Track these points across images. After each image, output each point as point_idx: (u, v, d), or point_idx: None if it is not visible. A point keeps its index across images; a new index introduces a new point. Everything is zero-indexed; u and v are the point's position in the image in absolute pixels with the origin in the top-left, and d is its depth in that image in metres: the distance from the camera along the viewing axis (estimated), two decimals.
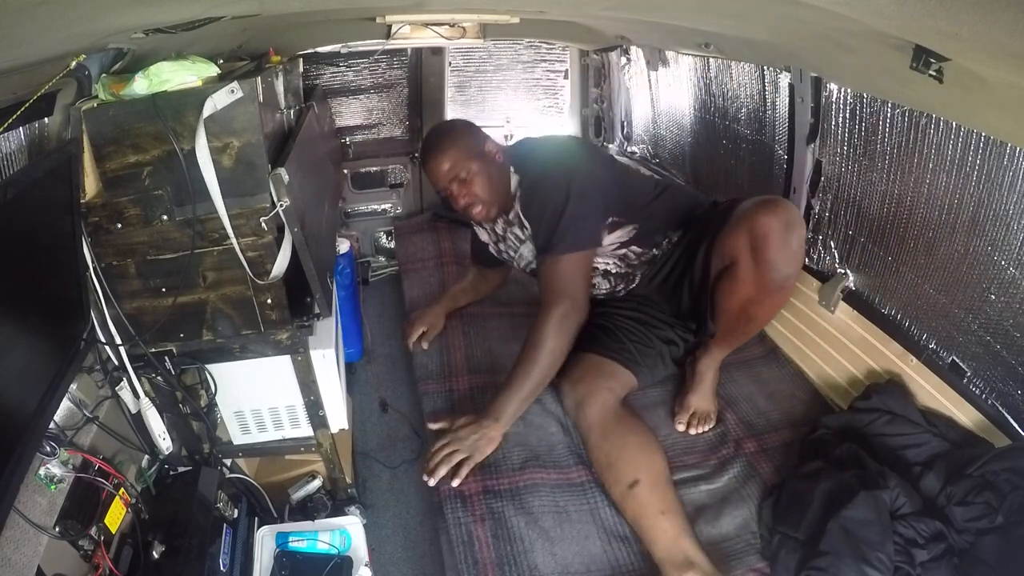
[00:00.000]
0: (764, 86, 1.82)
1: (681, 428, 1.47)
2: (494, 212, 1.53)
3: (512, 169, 1.54)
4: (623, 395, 1.47)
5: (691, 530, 1.17)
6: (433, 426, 1.44)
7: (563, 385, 1.47)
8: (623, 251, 1.56)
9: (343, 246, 2.04)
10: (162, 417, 1.26)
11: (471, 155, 1.47)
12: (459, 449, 1.32)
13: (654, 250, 1.58)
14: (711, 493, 1.30)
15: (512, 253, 1.67)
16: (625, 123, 2.83)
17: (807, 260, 1.67)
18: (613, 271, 1.60)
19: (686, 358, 1.62)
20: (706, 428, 1.47)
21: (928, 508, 1.11)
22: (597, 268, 1.59)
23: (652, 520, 1.18)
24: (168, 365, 1.22)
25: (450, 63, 2.73)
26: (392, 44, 2.42)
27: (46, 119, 1.06)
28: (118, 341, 1.15)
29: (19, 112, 0.90)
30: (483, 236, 1.76)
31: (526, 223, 1.52)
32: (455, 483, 1.28)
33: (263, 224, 1.09)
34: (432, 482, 1.29)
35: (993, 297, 1.19)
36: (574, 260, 1.42)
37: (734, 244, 1.31)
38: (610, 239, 1.53)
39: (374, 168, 2.84)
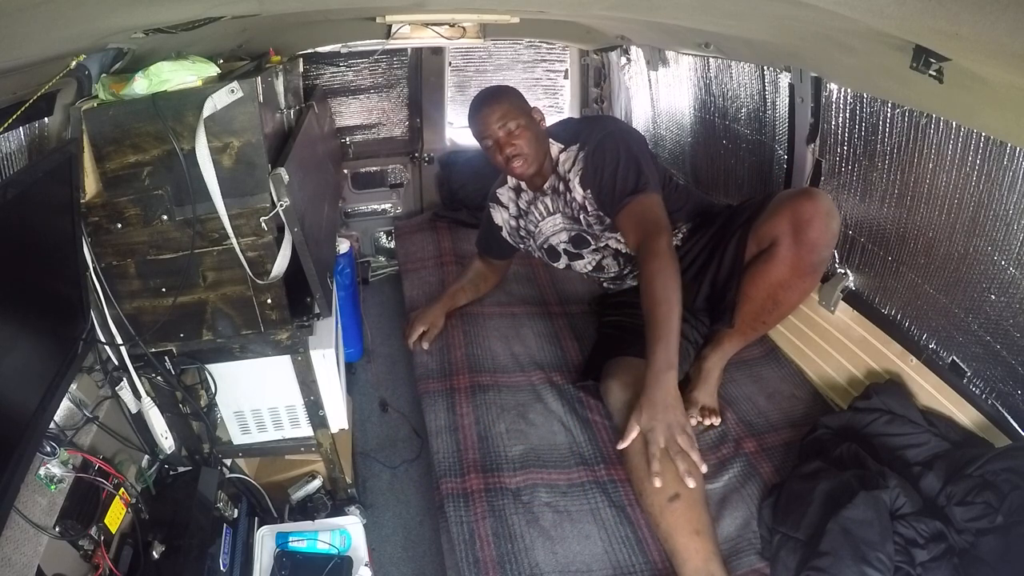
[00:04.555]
0: (764, 86, 1.82)
1: (694, 421, 1.47)
2: (532, 170, 1.57)
3: (551, 141, 1.60)
4: None
5: (720, 553, 1.15)
6: (627, 441, 1.26)
7: (611, 387, 1.44)
8: None
9: (343, 246, 2.04)
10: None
11: (521, 111, 1.54)
12: (674, 435, 1.20)
13: None
14: (711, 493, 1.30)
15: (532, 228, 1.72)
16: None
17: None
18: (623, 251, 1.63)
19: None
20: (716, 421, 1.48)
21: (928, 508, 1.11)
22: (608, 246, 1.62)
23: (686, 538, 1.15)
24: (168, 365, 1.22)
25: (450, 63, 2.73)
26: (392, 44, 2.42)
27: (46, 119, 1.06)
28: (118, 341, 1.15)
29: (19, 112, 0.90)
30: (499, 217, 1.79)
31: (574, 186, 1.56)
32: (703, 468, 1.20)
33: (263, 224, 1.09)
34: (692, 484, 1.17)
35: (993, 297, 1.19)
36: (660, 198, 1.46)
37: (775, 226, 1.37)
38: None
39: (374, 168, 2.85)
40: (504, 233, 1.81)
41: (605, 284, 1.81)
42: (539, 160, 1.57)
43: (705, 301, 1.59)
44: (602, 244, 1.63)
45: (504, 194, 1.77)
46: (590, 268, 1.73)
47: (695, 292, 1.59)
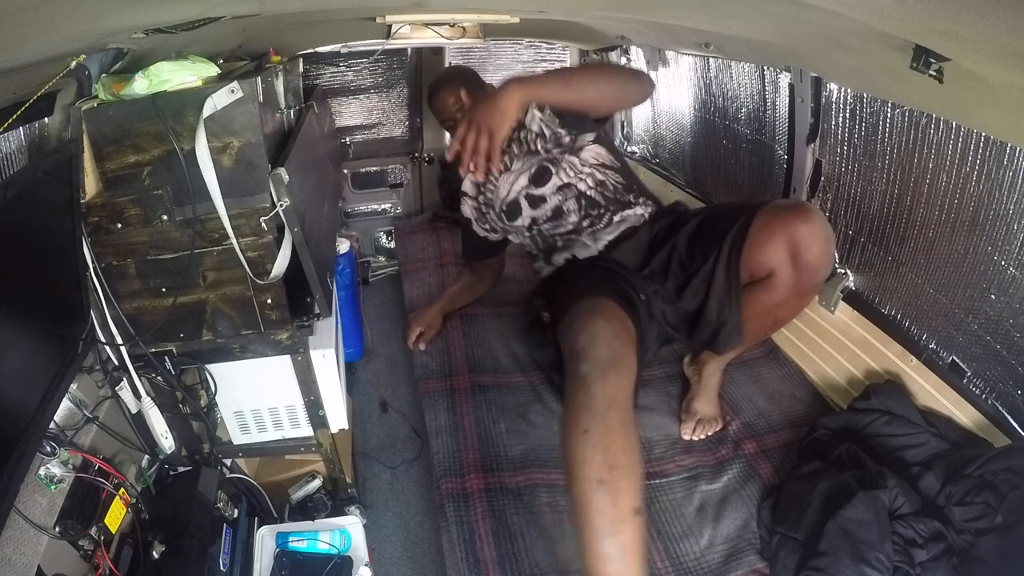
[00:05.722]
0: (764, 86, 1.82)
1: (687, 436, 1.47)
2: None
3: None
4: None
5: None
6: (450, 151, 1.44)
7: (579, 338, 1.10)
8: (603, 176, 1.55)
9: (343, 246, 2.04)
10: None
11: (476, 92, 1.66)
12: (480, 130, 1.36)
13: (630, 196, 1.55)
14: (711, 494, 1.31)
15: (490, 194, 1.65)
16: (625, 123, 2.83)
17: None
18: (588, 193, 1.53)
19: (682, 360, 1.63)
20: (709, 433, 1.47)
21: (927, 508, 1.11)
22: (573, 186, 1.54)
23: (641, 564, 0.95)
24: (168, 365, 1.22)
25: (450, 63, 2.73)
26: (392, 44, 2.42)
27: (46, 119, 1.06)
28: (118, 341, 1.15)
29: (19, 112, 0.90)
30: (467, 210, 1.75)
31: (532, 115, 1.60)
32: (494, 169, 1.42)
33: (263, 224, 1.09)
34: (478, 176, 1.43)
35: (993, 297, 1.19)
36: None
37: (771, 256, 1.28)
38: (598, 149, 1.57)
39: (374, 168, 2.85)
40: (474, 226, 1.75)
41: (559, 243, 1.59)
42: None
43: (687, 316, 1.45)
44: (565, 181, 1.54)
45: (467, 186, 1.74)
46: (548, 215, 1.57)
47: (674, 291, 1.44)
